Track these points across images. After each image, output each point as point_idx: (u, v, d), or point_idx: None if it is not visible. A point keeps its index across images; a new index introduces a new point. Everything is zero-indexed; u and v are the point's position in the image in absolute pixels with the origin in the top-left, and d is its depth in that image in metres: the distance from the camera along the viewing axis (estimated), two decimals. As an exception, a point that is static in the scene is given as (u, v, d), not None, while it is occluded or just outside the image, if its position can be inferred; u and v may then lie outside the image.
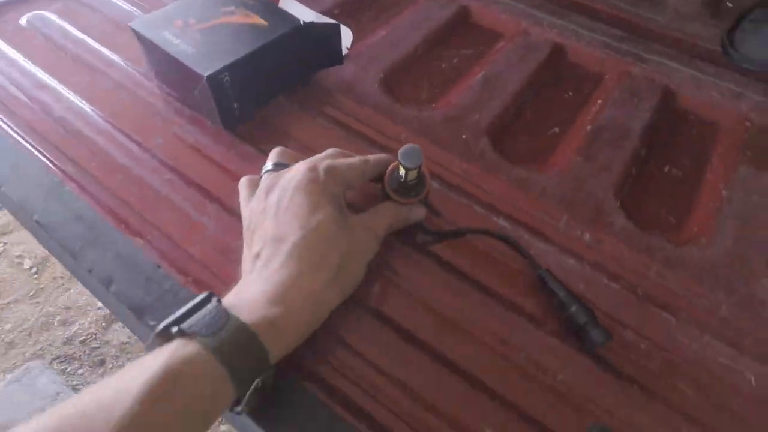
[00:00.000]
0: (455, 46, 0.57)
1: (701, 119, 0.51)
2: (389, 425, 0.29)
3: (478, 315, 0.34)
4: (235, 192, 0.39)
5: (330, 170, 0.34)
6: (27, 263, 1.08)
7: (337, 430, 0.29)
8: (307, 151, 0.39)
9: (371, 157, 0.37)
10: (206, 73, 0.41)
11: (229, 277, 0.35)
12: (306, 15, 0.56)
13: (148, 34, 0.44)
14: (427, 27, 0.57)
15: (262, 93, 0.47)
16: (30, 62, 0.51)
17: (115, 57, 0.52)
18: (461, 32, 0.59)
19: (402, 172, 0.35)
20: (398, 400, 0.30)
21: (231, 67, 0.42)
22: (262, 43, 0.44)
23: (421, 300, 0.35)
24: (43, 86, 0.49)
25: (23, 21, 0.56)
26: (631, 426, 0.30)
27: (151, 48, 0.45)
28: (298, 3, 0.58)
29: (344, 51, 0.53)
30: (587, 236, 0.39)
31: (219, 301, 0.28)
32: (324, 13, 0.58)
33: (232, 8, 0.47)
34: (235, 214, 0.39)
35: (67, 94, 0.48)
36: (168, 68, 0.46)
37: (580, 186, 0.43)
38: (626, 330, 0.35)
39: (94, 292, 0.42)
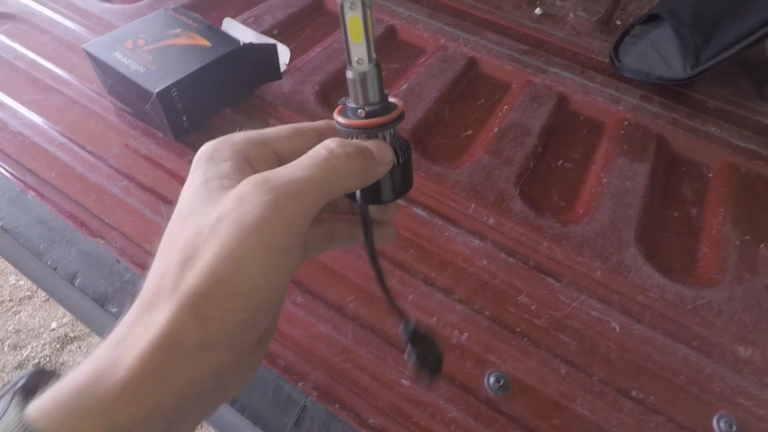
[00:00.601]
0: (383, 61, 0.64)
1: (589, 120, 0.60)
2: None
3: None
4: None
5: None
6: (-24, 286, 1.06)
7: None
8: None
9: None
10: (156, 90, 0.45)
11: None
12: (247, 36, 0.61)
13: (101, 55, 0.49)
14: (359, 44, 0.64)
15: (209, 106, 0.52)
16: (-17, 82, 0.54)
17: (67, 76, 0.56)
18: (389, 48, 0.66)
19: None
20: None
21: (179, 84, 0.47)
22: (206, 61, 0.49)
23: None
24: (0, 105, 0.52)
25: (-27, 43, 0.58)
26: (521, 371, 0.38)
27: (104, 68, 0.49)
28: (239, 24, 0.63)
29: (283, 67, 0.59)
30: (491, 220, 0.47)
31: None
32: (264, 32, 0.63)
33: (178, 30, 0.52)
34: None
35: (22, 111, 0.51)
36: (121, 86, 0.50)
37: (486, 178, 0.51)
38: (520, 294, 0.42)
39: (56, 293, 0.46)
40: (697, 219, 0.51)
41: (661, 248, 0.47)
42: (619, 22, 0.76)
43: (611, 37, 0.72)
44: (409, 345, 0.28)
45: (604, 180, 0.52)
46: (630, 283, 0.43)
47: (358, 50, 0.23)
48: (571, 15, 0.75)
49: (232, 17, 0.65)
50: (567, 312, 0.41)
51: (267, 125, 0.53)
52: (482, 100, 0.61)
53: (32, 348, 1.02)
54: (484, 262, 0.44)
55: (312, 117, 0.54)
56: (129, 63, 0.48)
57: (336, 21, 0.70)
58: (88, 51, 0.49)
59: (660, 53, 0.63)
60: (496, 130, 0.56)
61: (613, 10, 0.78)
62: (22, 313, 1.09)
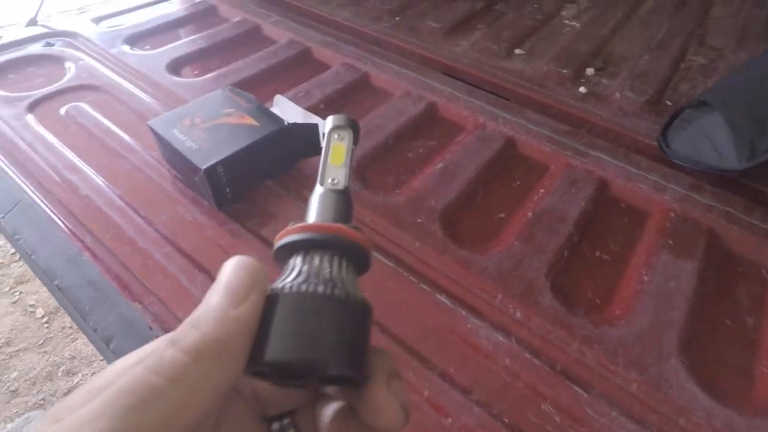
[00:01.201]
0: (422, 138, 0.66)
1: (631, 208, 0.58)
2: None
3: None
4: (222, 263, 0.46)
5: None
6: (39, 312, 1.15)
7: None
8: (279, 222, 0.46)
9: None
10: (204, 166, 0.49)
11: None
12: (294, 111, 0.65)
13: (162, 131, 0.53)
14: (399, 120, 0.66)
15: (251, 180, 0.55)
16: (65, 147, 0.60)
17: (134, 143, 0.61)
18: (429, 125, 0.68)
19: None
20: None
21: (225, 161, 0.50)
22: (252, 140, 0.52)
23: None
24: (73, 168, 0.57)
25: (62, 111, 0.66)
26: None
27: (163, 142, 0.54)
28: (288, 100, 0.67)
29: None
30: (518, 313, 0.45)
31: None
32: (311, 107, 0.67)
33: (231, 110, 0.56)
34: (218, 284, 0.46)
35: (92, 175, 0.57)
36: (176, 159, 0.54)
37: (516, 266, 0.49)
38: (544, 402, 0.39)
39: (96, 345, 0.48)
40: (754, 330, 0.46)
41: (709, 362, 0.43)
42: (669, 103, 0.74)
43: (660, 118, 0.69)
44: None
45: (645, 277, 0.49)
46: (670, 401, 0.39)
47: (336, 173, 0.22)
48: (618, 94, 0.74)
49: (285, 92, 0.70)
50: (595, 429, 0.38)
51: (303, 198, 0.55)
52: (518, 182, 0.60)
53: (83, 376, 1.07)
54: (507, 361, 0.41)
55: (347, 192, 0.56)
56: (184, 140, 0.52)
57: (378, 96, 0.73)
58: (152, 127, 0.54)
59: (711, 141, 0.60)
60: (530, 214, 0.55)
61: (663, 90, 0.76)
62: (78, 341, 1.15)
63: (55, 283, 0.45)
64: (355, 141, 0.22)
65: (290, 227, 0.20)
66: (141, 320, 0.42)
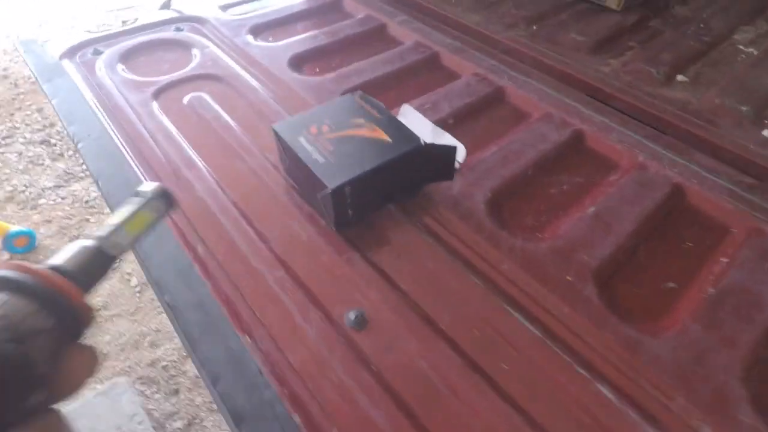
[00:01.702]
0: (566, 172, 0.56)
1: None
2: None
3: None
4: (340, 301, 0.40)
5: None
6: (134, 281, 1.19)
7: None
8: (402, 258, 0.40)
9: None
10: (332, 187, 0.43)
11: (323, 395, 0.35)
12: (422, 125, 0.58)
13: (287, 137, 0.48)
14: (540, 148, 0.57)
15: (376, 202, 0.49)
16: (184, 139, 0.58)
17: (251, 143, 0.57)
18: (574, 157, 0.58)
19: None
20: None
21: (353, 182, 0.44)
22: (383, 160, 0.46)
23: None
24: (191, 165, 0.54)
25: (185, 100, 0.64)
26: None
27: (287, 150, 0.49)
28: (416, 111, 0.60)
29: (456, 165, 0.54)
30: (707, 429, 0.34)
31: None
32: (438, 122, 0.59)
33: (362, 120, 0.50)
34: (334, 324, 0.40)
35: (208, 175, 0.53)
36: (298, 169, 0.49)
37: (698, 360, 0.38)
38: None
39: (202, 379, 0.44)
40: None
41: None
42: None
43: None
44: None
45: None
46: None
47: (122, 238, 0.21)
48: (815, 143, 0.59)
49: (410, 100, 0.63)
50: None
51: (425, 226, 0.48)
52: (690, 244, 0.49)
53: (165, 350, 1.09)
54: (694, 495, 0.31)
55: (478, 229, 0.48)
56: (311, 151, 0.47)
57: (516, 116, 0.64)
58: (276, 131, 0.49)
59: None
60: (711, 291, 0.43)
61: None
62: (164, 315, 1.18)
63: (166, 299, 0.42)
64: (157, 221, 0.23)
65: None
66: (250, 360, 0.37)
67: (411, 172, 0.49)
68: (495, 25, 0.79)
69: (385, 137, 0.48)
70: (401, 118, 0.55)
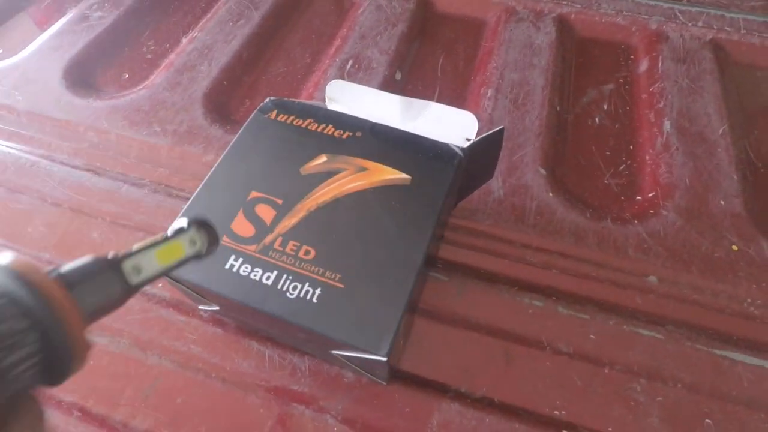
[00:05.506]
0: (592, 84, 0.37)
1: None
2: None
3: None
4: None
5: None
6: None
7: None
8: None
9: None
10: (383, 352, 0.18)
11: None
12: (384, 105, 0.31)
13: (196, 279, 0.20)
14: (544, 65, 0.36)
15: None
16: None
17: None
18: (581, 57, 0.38)
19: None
20: None
21: (400, 320, 0.19)
22: (425, 236, 0.21)
23: None
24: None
25: None
26: None
27: (212, 296, 0.21)
28: (351, 84, 0.32)
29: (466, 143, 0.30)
30: None
31: None
32: (384, 85, 0.34)
33: (324, 159, 0.23)
34: None
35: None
36: (266, 323, 0.22)
37: None
38: None
39: None
40: None
41: None
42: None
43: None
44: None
45: None
46: None
47: (148, 265, 0.15)
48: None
49: (324, 72, 0.35)
50: None
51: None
52: None
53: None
54: None
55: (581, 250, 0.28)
56: (271, 284, 0.20)
57: (472, 30, 0.40)
58: (172, 276, 0.20)
59: None
60: None
61: None
62: None
63: None
64: (197, 255, 0.16)
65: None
66: None
67: (451, 206, 0.25)
68: None
69: (395, 173, 0.23)
70: (335, 106, 0.28)
